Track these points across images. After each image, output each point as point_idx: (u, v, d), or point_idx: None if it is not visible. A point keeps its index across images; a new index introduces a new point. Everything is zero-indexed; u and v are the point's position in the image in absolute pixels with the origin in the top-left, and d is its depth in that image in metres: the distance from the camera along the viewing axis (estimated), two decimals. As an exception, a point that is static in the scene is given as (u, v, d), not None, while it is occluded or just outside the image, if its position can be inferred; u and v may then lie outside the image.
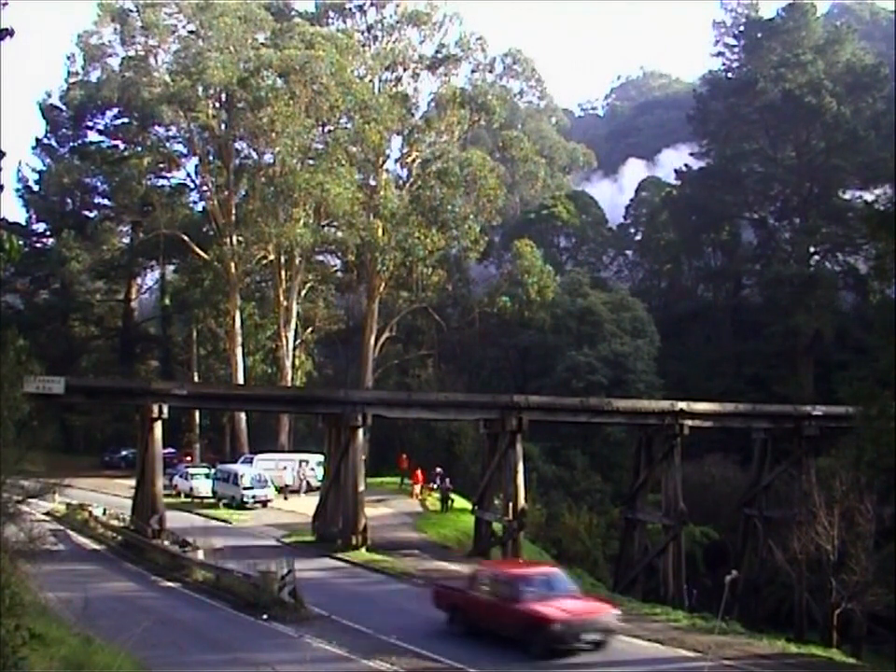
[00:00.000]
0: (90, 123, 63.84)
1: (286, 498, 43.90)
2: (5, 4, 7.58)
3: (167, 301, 66.24)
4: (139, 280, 69.93)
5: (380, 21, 60.52)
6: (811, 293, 59.03)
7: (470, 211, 56.47)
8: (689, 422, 34.95)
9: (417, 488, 45.10)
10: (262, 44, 55.59)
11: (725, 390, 51.13)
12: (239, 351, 56.51)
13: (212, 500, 43.45)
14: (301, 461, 47.04)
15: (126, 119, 60.47)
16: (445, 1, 61.59)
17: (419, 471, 45.58)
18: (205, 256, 57.11)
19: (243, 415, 55.40)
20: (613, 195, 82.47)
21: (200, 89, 53.59)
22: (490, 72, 64.51)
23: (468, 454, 51.10)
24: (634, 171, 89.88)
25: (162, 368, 66.65)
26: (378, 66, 58.74)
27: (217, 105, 56.44)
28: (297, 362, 58.30)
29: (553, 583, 19.81)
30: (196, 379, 60.45)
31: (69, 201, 66.80)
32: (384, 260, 55.29)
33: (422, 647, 18.83)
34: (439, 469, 45.00)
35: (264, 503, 42.64)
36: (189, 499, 43.96)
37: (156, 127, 58.57)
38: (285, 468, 45.96)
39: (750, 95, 67.35)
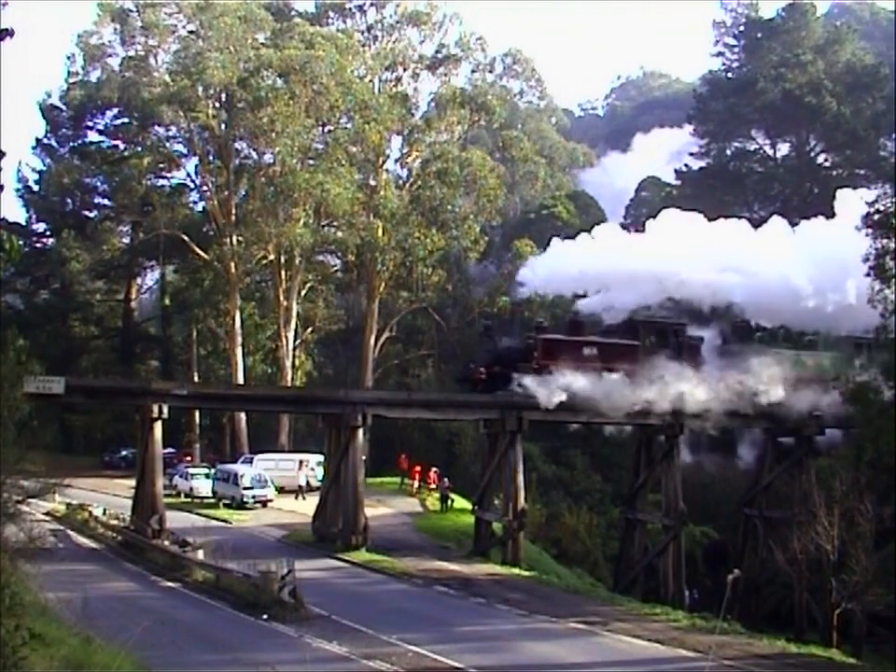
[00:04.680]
0: (90, 123, 63.80)
1: (304, 498, 42.85)
2: (5, 4, 7.59)
3: (167, 301, 66.20)
4: (139, 280, 69.88)
5: (380, 21, 60.46)
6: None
7: (470, 211, 56.47)
8: (689, 422, 34.95)
9: (415, 484, 45.32)
10: (262, 44, 55.54)
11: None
12: (239, 351, 56.50)
13: (212, 500, 43.42)
14: (300, 461, 47.03)
15: (126, 119, 60.42)
16: (445, 1, 61.61)
17: (417, 467, 45.98)
18: (205, 256, 57.11)
19: (243, 415, 55.39)
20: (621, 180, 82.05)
21: (200, 89, 53.56)
22: (490, 72, 64.43)
23: (468, 454, 51.11)
24: (645, 146, 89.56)
25: (162, 368, 66.60)
26: (378, 66, 58.72)
27: (217, 105, 56.41)
28: (297, 362, 58.28)
29: None
30: (196, 379, 60.41)
31: (69, 201, 66.69)
32: (384, 260, 55.28)
33: (422, 647, 18.85)
34: (435, 469, 45.18)
35: (264, 503, 42.63)
36: (189, 499, 43.93)
37: (156, 127, 58.50)
38: (299, 468, 45.68)
39: (750, 95, 67.34)
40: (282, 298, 55.95)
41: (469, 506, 39.01)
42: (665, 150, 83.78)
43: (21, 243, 26.07)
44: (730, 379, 34.45)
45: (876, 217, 23.91)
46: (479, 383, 34.24)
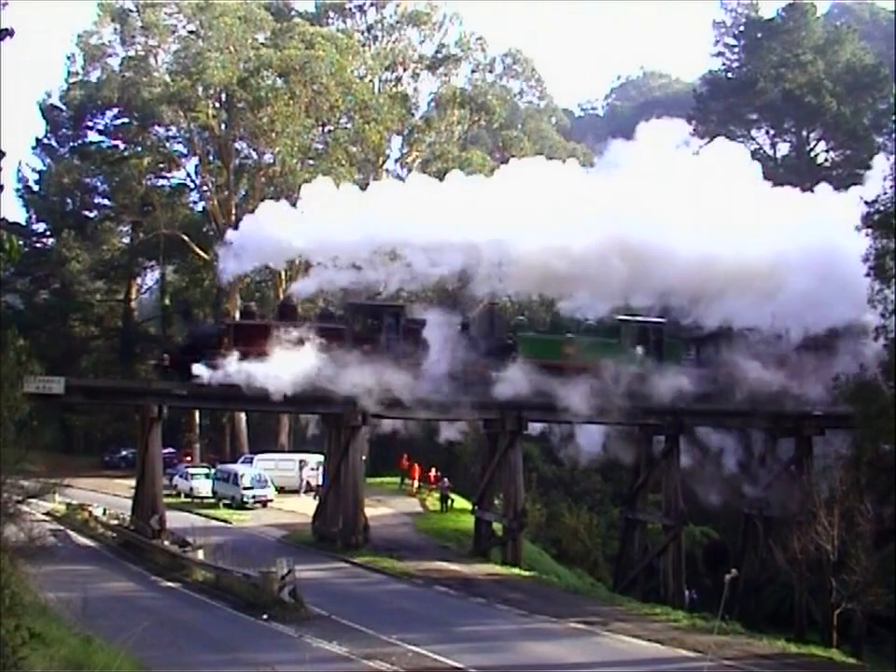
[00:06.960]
0: (90, 123, 63.70)
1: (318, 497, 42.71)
2: (5, 4, 7.60)
3: (167, 301, 66.18)
4: (139, 280, 69.83)
5: (380, 21, 60.58)
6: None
7: (470, 211, 56.41)
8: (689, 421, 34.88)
9: (415, 484, 45.46)
10: (262, 44, 55.60)
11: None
12: (239, 351, 56.37)
13: (212, 500, 43.43)
14: (300, 461, 47.00)
15: (126, 119, 60.40)
16: (445, 1, 61.69)
17: (416, 466, 46.17)
18: (205, 256, 57.10)
19: (243, 415, 55.34)
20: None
21: (200, 89, 53.58)
22: (490, 72, 64.64)
23: (468, 454, 51.08)
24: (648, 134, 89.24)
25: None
26: (378, 66, 58.80)
27: (217, 104, 56.43)
28: (297, 362, 58.14)
29: None
30: (196, 379, 60.29)
31: (69, 201, 66.66)
32: (384, 260, 55.24)
33: (422, 647, 18.85)
34: (434, 472, 45.17)
35: (264, 503, 42.63)
36: (189, 499, 43.93)
37: (156, 127, 58.53)
38: (314, 468, 45.20)
39: (750, 95, 67.37)
40: (282, 298, 55.86)
41: (469, 506, 39.00)
42: (668, 144, 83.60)
43: (20, 243, 26.06)
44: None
45: (876, 217, 23.85)
46: (165, 370, 33.38)
